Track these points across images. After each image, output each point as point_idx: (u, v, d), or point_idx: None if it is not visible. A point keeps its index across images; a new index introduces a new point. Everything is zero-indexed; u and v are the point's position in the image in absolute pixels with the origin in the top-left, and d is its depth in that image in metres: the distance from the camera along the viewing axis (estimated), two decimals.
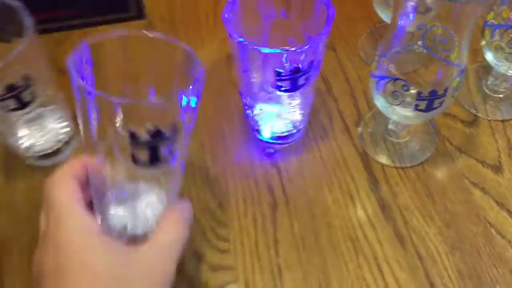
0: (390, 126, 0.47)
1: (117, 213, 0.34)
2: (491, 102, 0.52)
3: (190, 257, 0.42)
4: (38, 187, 0.36)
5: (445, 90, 0.38)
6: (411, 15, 0.37)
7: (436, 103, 0.39)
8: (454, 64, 0.40)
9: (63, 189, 0.33)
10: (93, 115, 0.29)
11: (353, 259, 0.42)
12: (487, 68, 0.52)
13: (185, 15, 0.59)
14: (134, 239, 0.34)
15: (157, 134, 0.30)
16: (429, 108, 0.39)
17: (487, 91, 0.52)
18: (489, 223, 0.44)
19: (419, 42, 0.39)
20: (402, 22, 0.38)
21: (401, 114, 0.43)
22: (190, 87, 0.30)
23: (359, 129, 0.49)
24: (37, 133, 0.44)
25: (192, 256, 0.42)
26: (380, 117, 0.50)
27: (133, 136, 0.30)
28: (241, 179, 0.46)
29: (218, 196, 0.45)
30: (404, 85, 0.38)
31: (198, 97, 0.31)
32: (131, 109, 0.29)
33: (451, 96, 0.39)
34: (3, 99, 0.37)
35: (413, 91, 0.39)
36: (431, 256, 0.42)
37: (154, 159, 0.31)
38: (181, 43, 0.32)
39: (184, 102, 0.30)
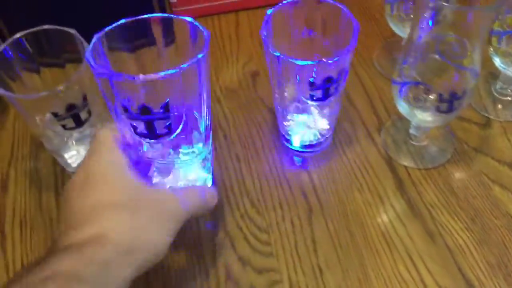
0: (411, 131, 0.51)
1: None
2: (501, 105, 0.55)
3: (235, 262, 0.45)
4: None
5: (464, 92, 0.42)
6: (429, 22, 0.40)
7: (456, 104, 0.42)
8: (467, 69, 0.43)
9: (107, 133, 0.37)
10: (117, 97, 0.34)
11: (388, 255, 0.45)
12: (495, 73, 0.56)
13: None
14: None
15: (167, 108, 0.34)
16: (450, 109, 0.43)
17: (496, 94, 0.56)
18: (511, 215, 0.47)
19: (435, 51, 0.43)
20: (420, 34, 0.42)
21: (422, 118, 0.46)
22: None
23: (382, 135, 0.53)
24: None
25: (238, 261, 0.45)
26: (400, 124, 0.53)
27: (147, 110, 0.34)
28: (276, 186, 0.49)
29: (255, 204, 0.48)
30: (426, 89, 0.42)
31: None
32: (150, 87, 0.33)
33: (469, 98, 0.43)
34: (64, 118, 0.40)
35: (432, 96, 0.43)
36: (460, 249, 0.45)
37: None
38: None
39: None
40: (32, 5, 0.54)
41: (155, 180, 0.40)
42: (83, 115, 0.42)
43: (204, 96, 0.37)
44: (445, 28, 0.42)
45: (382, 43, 0.61)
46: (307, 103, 0.45)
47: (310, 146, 0.51)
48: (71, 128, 0.42)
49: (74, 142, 0.45)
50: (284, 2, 0.44)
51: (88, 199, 0.34)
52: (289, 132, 0.50)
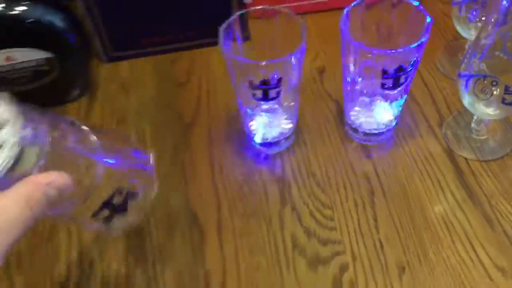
0: (473, 125, 0.53)
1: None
2: None
3: (301, 233, 0.48)
4: None
5: None
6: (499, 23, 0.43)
7: None
8: None
9: None
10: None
11: (447, 236, 0.47)
12: None
13: None
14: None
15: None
16: None
17: None
18: None
19: (502, 49, 0.46)
20: (490, 33, 0.45)
21: (485, 111, 0.49)
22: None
23: (443, 129, 0.56)
24: None
25: (304, 233, 0.48)
26: (461, 118, 0.56)
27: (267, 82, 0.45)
28: (341, 170, 0.53)
29: (321, 185, 0.52)
30: (494, 81, 0.45)
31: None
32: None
33: None
34: None
35: (499, 88, 0.45)
36: None
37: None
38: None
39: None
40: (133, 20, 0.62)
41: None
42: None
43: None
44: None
45: (444, 45, 0.64)
46: (376, 93, 0.49)
47: (374, 135, 0.54)
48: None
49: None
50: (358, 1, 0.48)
51: None
52: (355, 122, 0.54)
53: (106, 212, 0.35)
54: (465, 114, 0.56)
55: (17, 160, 0.27)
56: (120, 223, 0.37)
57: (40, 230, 0.50)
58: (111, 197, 0.35)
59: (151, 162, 0.40)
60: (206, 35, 0.67)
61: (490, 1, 0.45)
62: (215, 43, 0.67)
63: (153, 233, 0.50)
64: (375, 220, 0.49)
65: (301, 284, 0.45)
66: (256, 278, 0.46)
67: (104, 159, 0.35)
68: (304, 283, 0.45)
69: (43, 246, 0.49)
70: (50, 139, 0.29)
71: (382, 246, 0.47)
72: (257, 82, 0.45)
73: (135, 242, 0.49)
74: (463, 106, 0.53)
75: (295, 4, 0.70)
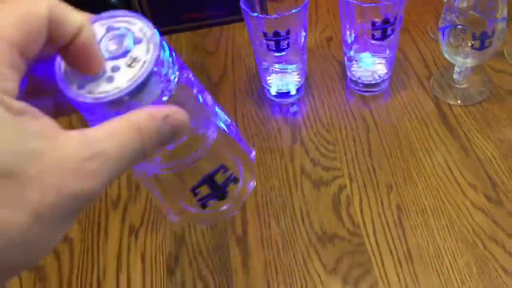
0: (455, 76, 0.63)
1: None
2: None
3: (308, 162, 0.59)
4: None
5: (493, 32, 0.54)
6: None
7: (487, 42, 0.55)
8: (498, 20, 0.56)
9: None
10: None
11: (428, 162, 0.57)
12: None
13: None
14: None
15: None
16: (482, 47, 0.55)
17: None
18: None
19: (474, 8, 0.56)
20: None
21: (462, 60, 0.59)
22: None
23: (431, 81, 0.65)
24: None
25: (310, 162, 0.59)
26: (446, 73, 0.66)
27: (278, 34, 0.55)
28: (343, 115, 0.64)
29: (325, 126, 0.63)
30: (463, 29, 0.54)
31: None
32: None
33: (497, 38, 0.55)
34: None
35: (468, 35, 0.55)
36: (488, 160, 0.56)
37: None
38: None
39: None
40: None
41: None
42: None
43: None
44: None
45: (436, 17, 0.74)
46: (369, 48, 0.59)
47: (370, 85, 0.65)
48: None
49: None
50: None
51: None
52: (355, 73, 0.64)
53: (205, 190, 0.32)
54: (449, 69, 0.65)
55: (145, 83, 0.24)
56: (213, 211, 0.34)
57: None
58: (215, 173, 0.32)
59: (253, 156, 0.37)
60: (232, 14, 0.79)
61: None
62: (239, 20, 0.79)
63: None
64: (370, 151, 0.59)
65: (307, 200, 0.56)
66: (270, 196, 0.57)
67: (219, 122, 0.32)
68: (309, 199, 0.56)
69: None
70: (177, 80, 0.26)
71: (374, 170, 0.57)
72: (270, 34, 0.56)
73: None
74: (448, 63, 0.63)
75: None
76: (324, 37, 0.74)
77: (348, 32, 0.60)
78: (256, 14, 0.55)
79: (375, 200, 0.55)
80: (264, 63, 0.62)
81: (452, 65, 0.62)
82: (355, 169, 0.58)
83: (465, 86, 0.64)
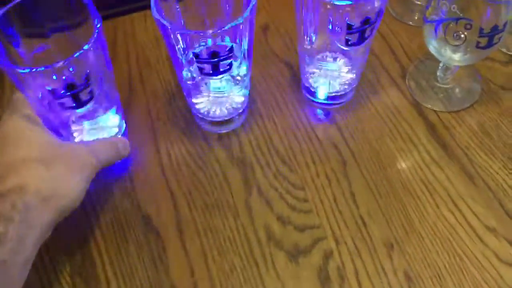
0: (439, 73, 0.49)
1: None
2: None
3: (274, 222, 0.43)
4: None
5: (504, 25, 0.40)
6: None
7: (496, 38, 0.41)
8: (502, 2, 0.42)
9: (22, 97, 0.39)
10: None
11: (429, 200, 0.44)
12: None
13: None
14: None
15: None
16: (489, 45, 0.41)
17: None
18: None
19: None
20: None
21: (453, 57, 0.45)
22: None
23: (406, 80, 0.51)
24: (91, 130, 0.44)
25: (277, 221, 0.43)
26: (423, 67, 0.51)
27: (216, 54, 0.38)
28: (305, 141, 0.47)
29: (287, 161, 0.46)
30: (467, 24, 0.40)
31: None
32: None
33: (508, 31, 0.41)
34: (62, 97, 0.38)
35: (473, 31, 0.41)
36: (501, 188, 0.44)
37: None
38: None
39: None
40: None
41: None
42: (83, 95, 0.38)
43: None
44: None
45: None
46: (339, 50, 0.43)
47: (335, 97, 0.49)
48: (70, 108, 0.39)
49: (74, 119, 0.42)
50: None
51: (6, 155, 0.36)
52: (314, 85, 0.48)
53: None
54: (428, 61, 0.51)
55: None
56: None
57: None
58: None
59: None
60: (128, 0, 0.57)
61: None
62: (140, 8, 0.58)
63: (101, 246, 0.42)
64: (352, 194, 0.44)
65: (284, 281, 0.40)
66: (232, 282, 0.40)
67: None
68: (287, 279, 0.40)
69: None
70: None
71: (364, 223, 0.43)
72: (204, 54, 0.37)
73: (82, 260, 0.41)
74: (424, 53, 0.49)
75: None
76: (258, 26, 0.56)
77: (308, 36, 0.42)
78: (181, 29, 0.35)
79: (375, 269, 0.40)
80: (191, 86, 0.43)
81: (432, 57, 0.48)
82: (339, 224, 0.43)
83: (450, 85, 0.50)
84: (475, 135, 0.47)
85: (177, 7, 0.41)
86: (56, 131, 0.40)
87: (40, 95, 0.38)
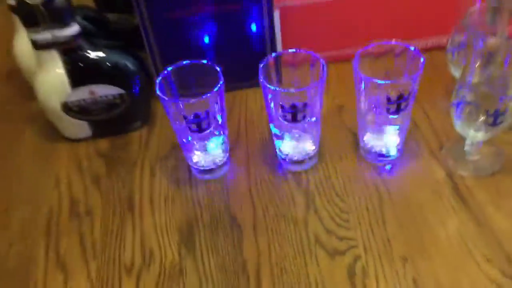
0: (466, 148, 0.64)
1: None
2: None
3: (323, 232, 0.59)
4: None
5: (505, 109, 0.56)
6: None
7: (500, 118, 0.56)
8: (509, 97, 0.57)
9: None
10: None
11: (442, 234, 0.57)
12: None
13: None
14: None
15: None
16: (495, 123, 0.56)
17: None
18: None
19: (485, 84, 0.58)
20: (471, 71, 0.57)
21: (473, 135, 0.60)
22: None
23: (442, 152, 0.66)
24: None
25: (324, 231, 0.59)
26: (457, 144, 0.67)
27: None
28: (356, 184, 0.64)
29: (339, 195, 0.63)
30: (476, 106, 0.56)
31: None
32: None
33: (510, 115, 0.57)
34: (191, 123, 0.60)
35: (481, 112, 0.57)
36: (502, 232, 0.56)
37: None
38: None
39: None
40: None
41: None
42: (203, 124, 0.61)
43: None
44: (492, 67, 0.57)
45: (443, 89, 0.76)
46: (383, 120, 0.61)
47: (382, 155, 0.66)
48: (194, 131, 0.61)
49: (196, 142, 0.64)
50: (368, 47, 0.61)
51: None
52: (367, 143, 0.65)
53: None
54: (460, 140, 0.67)
55: None
56: None
57: (110, 228, 0.62)
58: None
59: None
60: (244, 79, 0.81)
61: (471, 45, 0.57)
62: (251, 85, 0.81)
63: (201, 230, 0.61)
64: (384, 222, 0.59)
65: (322, 270, 0.56)
66: (284, 265, 0.56)
67: None
68: (324, 269, 0.56)
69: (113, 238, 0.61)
70: None
71: (389, 242, 0.57)
72: (287, 106, 0.57)
73: (188, 237, 0.61)
74: (459, 134, 0.64)
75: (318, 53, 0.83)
76: (335, 106, 0.76)
77: (362, 105, 0.61)
78: (275, 88, 0.57)
79: (390, 272, 0.54)
80: (278, 133, 0.64)
81: (463, 137, 0.64)
82: (370, 240, 0.58)
83: (476, 158, 0.65)
84: (489, 194, 0.61)
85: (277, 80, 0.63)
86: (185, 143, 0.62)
87: (178, 120, 0.61)
